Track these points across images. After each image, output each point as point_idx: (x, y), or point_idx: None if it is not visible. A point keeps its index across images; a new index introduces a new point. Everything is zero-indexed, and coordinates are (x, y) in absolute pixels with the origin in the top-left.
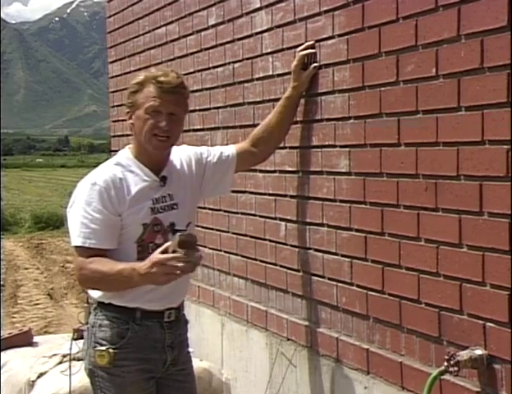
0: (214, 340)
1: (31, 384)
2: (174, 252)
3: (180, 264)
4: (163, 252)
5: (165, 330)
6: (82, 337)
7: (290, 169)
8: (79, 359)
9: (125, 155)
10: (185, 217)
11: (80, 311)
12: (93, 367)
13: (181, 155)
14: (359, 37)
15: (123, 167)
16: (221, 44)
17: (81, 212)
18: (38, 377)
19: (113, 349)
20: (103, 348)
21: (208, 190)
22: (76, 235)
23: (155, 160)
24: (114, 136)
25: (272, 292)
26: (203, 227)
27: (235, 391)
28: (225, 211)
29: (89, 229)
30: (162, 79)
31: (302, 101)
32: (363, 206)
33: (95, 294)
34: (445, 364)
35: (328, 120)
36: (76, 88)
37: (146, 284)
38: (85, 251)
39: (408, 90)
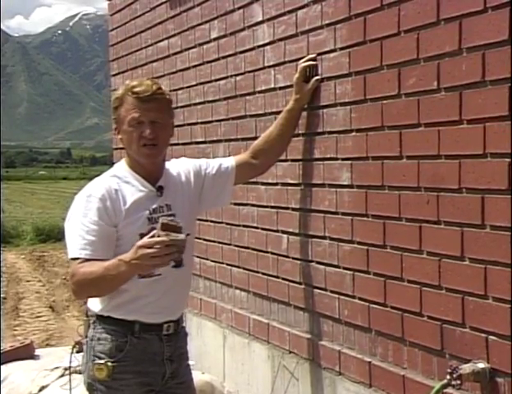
0: (216, 352)
1: None
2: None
3: (164, 247)
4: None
5: (164, 343)
6: (83, 350)
7: (292, 182)
8: (80, 373)
9: (122, 167)
10: (183, 228)
11: (81, 324)
12: (92, 380)
13: (180, 167)
14: (361, 50)
15: (119, 178)
16: (224, 57)
17: (78, 224)
18: (40, 390)
19: (112, 362)
20: (102, 361)
21: (207, 202)
22: (73, 247)
23: (150, 170)
24: (116, 149)
25: (274, 305)
26: (205, 240)
27: None
28: (227, 223)
29: (85, 240)
30: (137, 89)
31: (304, 114)
32: (365, 219)
33: (94, 307)
34: (448, 377)
35: (330, 132)
36: (79, 100)
37: (134, 272)
38: (81, 262)
39: (409, 103)
